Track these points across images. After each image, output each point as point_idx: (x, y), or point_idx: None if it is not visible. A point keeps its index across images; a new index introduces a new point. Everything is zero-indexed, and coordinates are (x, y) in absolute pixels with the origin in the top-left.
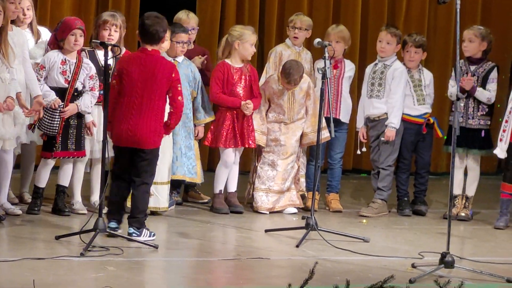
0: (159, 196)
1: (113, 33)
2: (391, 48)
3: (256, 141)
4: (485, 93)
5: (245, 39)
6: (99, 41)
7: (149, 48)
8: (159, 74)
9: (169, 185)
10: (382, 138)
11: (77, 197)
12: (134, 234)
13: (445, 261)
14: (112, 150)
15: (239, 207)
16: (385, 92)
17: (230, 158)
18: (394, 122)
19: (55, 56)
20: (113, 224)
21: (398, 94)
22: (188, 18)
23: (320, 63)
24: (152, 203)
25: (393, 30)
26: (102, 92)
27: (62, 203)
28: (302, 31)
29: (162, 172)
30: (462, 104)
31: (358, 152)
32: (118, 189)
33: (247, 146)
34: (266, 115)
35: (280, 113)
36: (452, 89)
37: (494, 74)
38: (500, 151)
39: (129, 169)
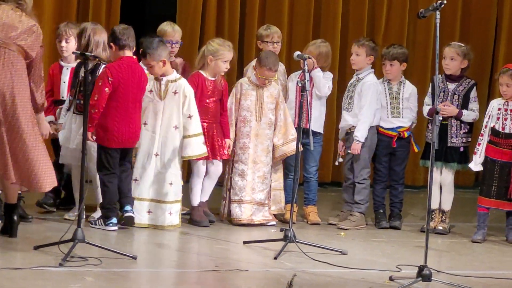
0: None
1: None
2: (360, 59)
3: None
4: (471, 115)
5: (219, 56)
6: (79, 52)
7: (132, 55)
8: (143, 79)
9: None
10: (349, 151)
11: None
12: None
13: (423, 274)
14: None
15: (211, 216)
16: (353, 105)
17: (202, 169)
18: (358, 135)
19: None
20: (116, 220)
21: (364, 108)
22: (173, 31)
23: (296, 76)
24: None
25: (361, 42)
26: (81, 101)
27: (22, 210)
28: (278, 44)
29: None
30: (440, 118)
31: (337, 163)
32: (115, 188)
33: (218, 158)
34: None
35: (247, 114)
36: (427, 107)
37: (474, 93)
38: (473, 165)
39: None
